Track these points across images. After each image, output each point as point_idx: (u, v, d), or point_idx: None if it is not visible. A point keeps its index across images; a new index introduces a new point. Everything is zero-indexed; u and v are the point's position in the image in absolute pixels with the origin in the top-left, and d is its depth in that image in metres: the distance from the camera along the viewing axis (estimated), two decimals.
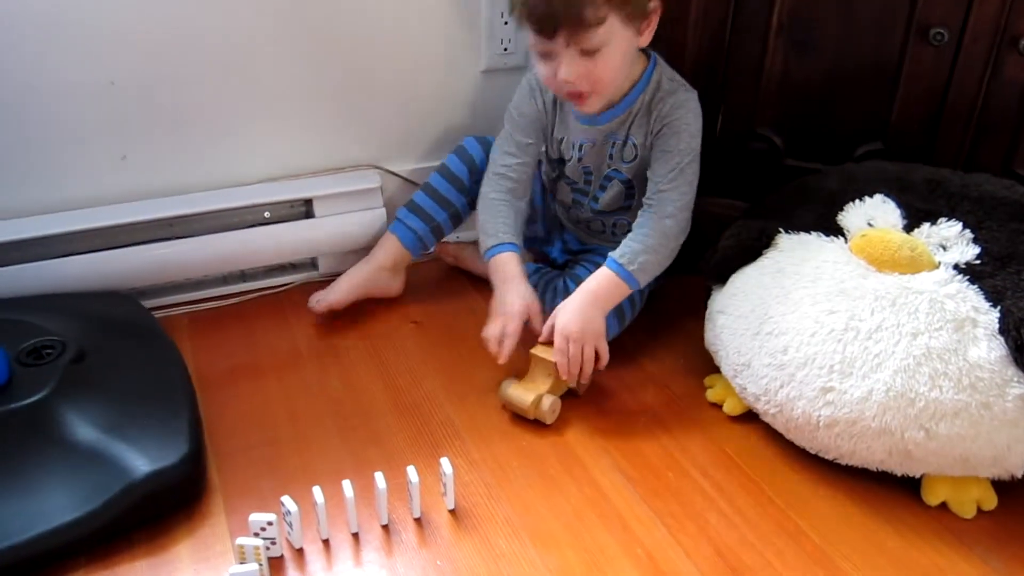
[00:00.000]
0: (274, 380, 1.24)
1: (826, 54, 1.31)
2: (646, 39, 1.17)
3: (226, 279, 1.45)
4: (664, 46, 1.37)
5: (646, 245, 1.18)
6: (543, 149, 1.32)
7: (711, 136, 1.43)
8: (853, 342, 1.00)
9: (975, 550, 0.98)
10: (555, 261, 1.44)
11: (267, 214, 1.40)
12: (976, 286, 1.01)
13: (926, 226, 1.09)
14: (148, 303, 1.36)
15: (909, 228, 1.10)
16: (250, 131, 1.41)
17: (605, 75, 1.14)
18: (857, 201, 1.14)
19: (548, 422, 1.15)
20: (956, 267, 1.03)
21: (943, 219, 1.09)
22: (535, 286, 1.27)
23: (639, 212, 1.22)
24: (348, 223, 1.44)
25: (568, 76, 1.12)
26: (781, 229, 1.15)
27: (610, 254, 1.19)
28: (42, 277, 1.28)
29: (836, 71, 1.32)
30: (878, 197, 1.14)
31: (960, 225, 1.07)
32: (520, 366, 1.18)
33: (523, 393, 1.14)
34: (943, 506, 1.03)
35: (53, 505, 0.94)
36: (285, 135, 1.44)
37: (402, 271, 1.40)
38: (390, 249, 1.38)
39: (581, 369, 1.15)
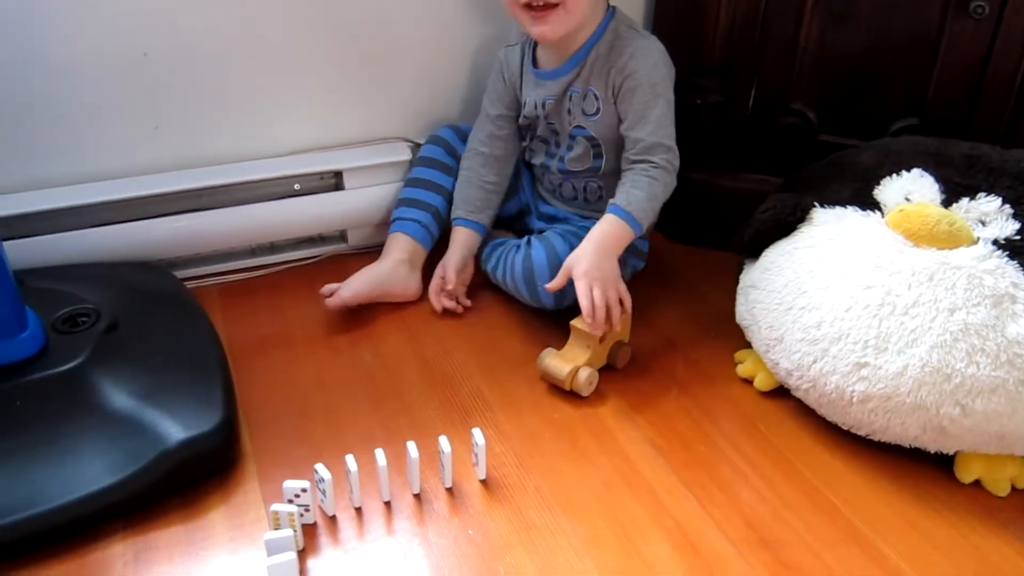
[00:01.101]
0: (304, 351, 1.24)
1: (862, 27, 1.29)
2: None
3: (256, 251, 1.46)
4: (695, 18, 1.36)
5: (644, 191, 1.19)
6: (517, 119, 1.36)
7: (743, 111, 1.42)
8: (889, 317, 0.99)
9: (1009, 528, 0.97)
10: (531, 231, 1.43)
11: (297, 186, 1.40)
12: (1015, 262, 0.99)
13: (965, 201, 1.07)
14: (179, 274, 1.36)
15: (947, 203, 1.08)
16: (281, 103, 1.41)
17: None
18: (894, 175, 1.13)
19: (584, 394, 1.14)
20: (995, 242, 1.02)
21: (982, 194, 1.07)
22: (486, 256, 1.34)
23: (626, 171, 1.23)
24: (378, 195, 1.43)
25: None
26: (816, 203, 1.14)
27: (611, 201, 1.20)
28: (75, 247, 1.28)
29: (872, 45, 1.30)
30: (916, 171, 1.12)
31: (999, 200, 1.05)
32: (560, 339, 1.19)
33: (560, 364, 1.14)
34: (976, 484, 1.02)
35: (88, 471, 0.95)
36: (316, 107, 1.44)
37: (419, 269, 1.36)
38: (401, 243, 1.35)
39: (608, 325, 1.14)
